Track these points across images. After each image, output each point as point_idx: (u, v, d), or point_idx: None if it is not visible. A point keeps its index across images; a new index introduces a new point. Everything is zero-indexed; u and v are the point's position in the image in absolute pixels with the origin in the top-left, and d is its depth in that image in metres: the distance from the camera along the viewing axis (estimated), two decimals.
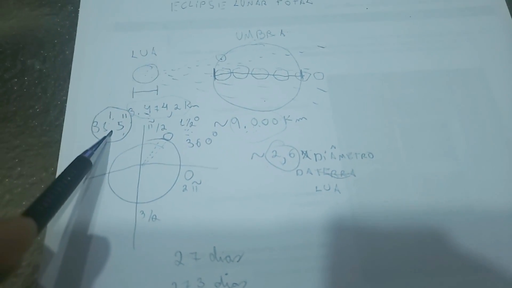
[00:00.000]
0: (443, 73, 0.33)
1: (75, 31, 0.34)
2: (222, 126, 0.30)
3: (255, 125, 0.30)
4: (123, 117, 0.31)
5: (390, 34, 0.34)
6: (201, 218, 0.27)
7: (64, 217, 0.27)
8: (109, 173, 0.29)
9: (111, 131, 0.30)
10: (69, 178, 0.25)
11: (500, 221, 0.28)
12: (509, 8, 0.35)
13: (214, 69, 0.32)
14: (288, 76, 0.32)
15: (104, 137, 0.29)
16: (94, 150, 0.28)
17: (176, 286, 0.26)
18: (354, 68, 0.33)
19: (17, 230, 0.21)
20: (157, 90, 0.32)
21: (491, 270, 0.27)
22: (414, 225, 0.28)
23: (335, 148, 0.30)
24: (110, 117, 0.31)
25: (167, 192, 0.28)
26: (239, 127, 0.30)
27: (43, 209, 0.23)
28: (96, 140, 0.29)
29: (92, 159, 0.27)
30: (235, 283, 0.26)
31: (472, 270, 0.26)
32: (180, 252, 0.26)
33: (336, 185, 0.29)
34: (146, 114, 0.31)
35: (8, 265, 0.21)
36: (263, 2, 0.35)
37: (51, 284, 0.26)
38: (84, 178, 0.28)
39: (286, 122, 0.31)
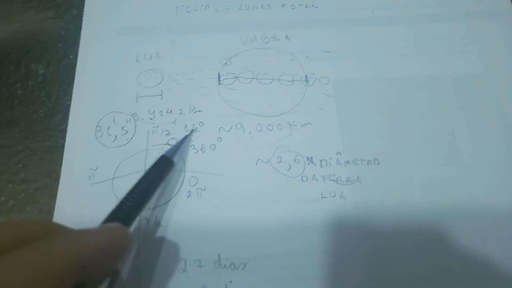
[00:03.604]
0: (449, 78, 0.32)
1: (79, 35, 0.34)
2: (227, 131, 0.30)
3: (260, 130, 0.30)
4: (127, 122, 0.31)
5: (396, 38, 0.34)
6: (206, 225, 0.27)
7: (68, 223, 0.27)
8: (113, 178, 0.29)
9: (193, 129, 0.30)
10: (150, 179, 0.25)
11: (506, 225, 0.28)
12: None
13: (218, 74, 0.32)
14: (293, 81, 0.32)
15: (186, 136, 0.29)
16: (177, 150, 0.28)
17: None
18: (359, 73, 0.32)
19: (117, 238, 0.21)
20: (161, 95, 0.31)
21: (496, 274, 0.26)
22: (421, 231, 0.27)
23: (340, 154, 0.29)
24: (114, 122, 0.30)
25: (171, 199, 0.28)
26: (244, 133, 0.30)
27: (129, 212, 0.23)
28: (104, 143, 0.29)
29: (175, 159, 0.27)
30: None
31: (478, 274, 0.26)
32: (185, 260, 0.26)
33: (342, 191, 0.28)
34: (151, 119, 0.31)
35: (104, 273, 0.21)
36: (268, 6, 0.35)
37: None
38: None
39: (291, 128, 0.30)
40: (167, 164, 0.27)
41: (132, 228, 0.24)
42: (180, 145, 0.28)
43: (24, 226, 0.19)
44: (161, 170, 0.26)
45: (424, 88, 0.32)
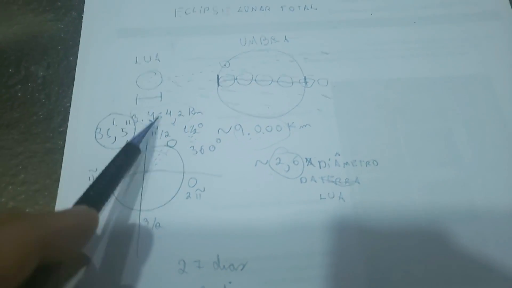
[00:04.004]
0: (448, 80, 0.32)
1: (79, 37, 0.34)
2: (226, 133, 0.30)
3: (259, 132, 0.30)
4: (126, 123, 0.31)
5: (394, 40, 0.34)
6: (205, 226, 0.27)
7: None
8: None
9: (158, 117, 0.30)
10: (117, 166, 0.26)
11: (505, 226, 0.28)
12: None
13: (218, 76, 0.32)
14: (292, 82, 0.32)
15: (152, 123, 0.30)
16: (142, 137, 0.28)
17: None
18: (358, 74, 0.32)
19: (83, 219, 0.21)
20: (160, 96, 0.32)
21: (495, 275, 0.26)
22: (420, 232, 0.27)
23: (339, 155, 0.30)
24: (113, 124, 0.31)
25: (170, 200, 0.28)
26: (243, 134, 0.30)
27: (95, 197, 0.24)
28: (104, 144, 0.29)
29: (141, 146, 0.28)
30: None
31: (477, 275, 0.26)
32: (184, 261, 0.26)
33: (341, 193, 0.28)
34: (150, 120, 0.31)
35: (70, 254, 0.21)
36: (267, 8, 0.35)
37: None
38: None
39: (290, 129, 0.30)
40: (134, 151, 0.27)
41: (110, 216, 0.25)
42: (146, 132, 0.29)
43: None
44: (128, 157, 0.27)
45: (422, 90, 0.32)
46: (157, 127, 0.30)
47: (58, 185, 0.29)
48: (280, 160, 0.29)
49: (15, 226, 0.17)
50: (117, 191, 0.28)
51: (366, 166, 0.29)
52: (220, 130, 0.30)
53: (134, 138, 0.28)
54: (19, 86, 0.33)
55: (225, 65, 0.33)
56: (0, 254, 0.16)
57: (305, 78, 0.32)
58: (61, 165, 0.29)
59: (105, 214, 0.27)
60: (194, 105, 0.31)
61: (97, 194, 0.24)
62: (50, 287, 0.20)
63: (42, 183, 0.29)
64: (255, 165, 0.29)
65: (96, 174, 0.28)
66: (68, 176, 0.29)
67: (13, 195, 0.29)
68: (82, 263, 0.26)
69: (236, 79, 0.32)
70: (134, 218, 0.28)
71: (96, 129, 0.30)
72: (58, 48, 0.34)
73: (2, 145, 0.31)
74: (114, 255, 0.26)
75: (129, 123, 0.31)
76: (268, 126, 0.31)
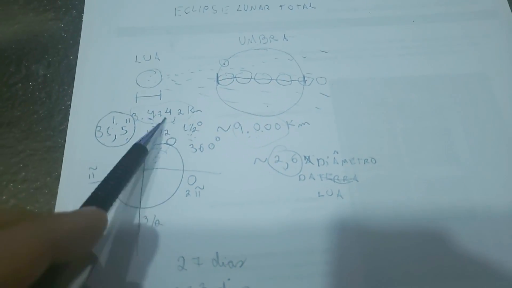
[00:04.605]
0: (446, 78, 0.33)
1: (79, 36, 0.34)
2: (225, 131, 0.30)
3: (258, 130, 0.31)
4: (126, 122, 0.31)
5: (393, 38, 0.34)
6: (204, 223, 0.28)
7: None
8: None
9: (165, 118, 0.31)
10: (125, 166, 0.26)
11: (503, 225, 0.28)
12: None
13: (217, 74, 0.33)
14: (291, 81, 0.32)
15: (159, 124, 0.30)
16: (150, 137, 0.28)
17: None
18: (357, 73, 0.33)
19: (93, 220, 0.21)
20: (160, 95, 0.32)
21: (493, 274, 0.26)
22: (418, 230, 0.28)
23: (337, 153, 0.30)
24: (113, 122, 0.31)
25: (170, 197, 0.28)
26: (242, 132, 0.30)
27: (103, 198, 0.24)
28: (104, 143, 0.30)
29: (148, 147, 0.28)
30: None
31: (474, 274, 0.26)
32: (183, 257, 0.27)
33: (339, 190, 0.29)
34: (150, 119, 0.31)
35: (79, 255, 0.21)
36: (266, 7, 0.35)
37: None
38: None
39: (288, 127, 0.31)
40: (141, 152, 0.27)
41: (110, 213, 0.24)
42: (153, 134, 0.29)
43: None
44: (136, 157, 0.27)
45: (421, 88, 0.32)
46: (165, 129, 0.31)
47: (59, 183, 0.29)
48: (279, 158, 0.30)
49: (26, 228, 0.17)
50: None
51: (365, 164, 0.29)
52: (219, 128, 0.31)
53: (142, 139, 0.28)
54: (20, 84, 0.33)
55: (224, 63, 0.33)
56: (12, 255, 0.16)
57: (303, 77, 0.32)
58: (61, 163, 0.30)
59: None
60: (194, 103, 0.31)
61: (105, 194, 0.24)
62: (58, 286, 0.20)
63: (43, 181, 0.30)
64: (254, 163, 0.29)
65: (96, 172, 0.29)
66: (69, 174, 0.29)
67: (14, 193, 0.29)
68: (89, 262, 0.26)
69: (235, 77, 0.32)
70: (134, 215, 0.28)
71: (96, 127, 0.31)
72: (58, 47, 0.34)
73: (3, 143, 0.31)
74: (114, 252, 0.27)
75: (129, 121, 0.31)
76: (267, 124, 0.31)
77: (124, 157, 0.26)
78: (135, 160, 0.27)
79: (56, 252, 0.18)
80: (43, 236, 0.17)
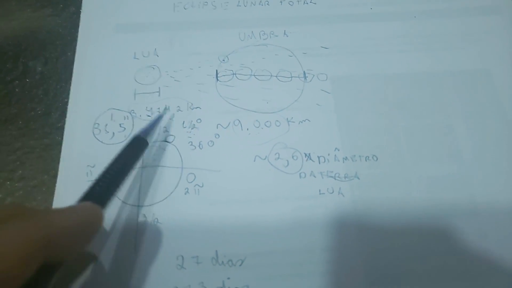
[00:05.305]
0: (448, 75, 0.32)
1: (77, 32, 0.34)
2: (225, 128, 0.30)
3: (258, 127, 0.30)
4: (124, 119, 0.30)
5: (394, 34, 0.34)
6: (203, 221, 0.27)
7: None
8: None
9: (166, 108, 0.30)
10: (123, 160, 0.24)
11: (505, 222, 0.27)
12: None
13: (216, 71, 0.32)
14: (291, 77, 0.32)
15: (160, 115, 0.29)
16: (151, 129, 0.27)
17: None
18: (358, 69, 0.32)
19: (88, 216, 0.21)
20: (159, 91, 0.31)
21: (495, 271, 0.26)
22: (419, 228, 0.27)
23: (338, 150, 0.29)
24: (111, 119, 0.30)
25: (169, 195, 0.28)
26: (242, 129, 0.30)
27: (100, 193, 0.23)
28: (102, 140, 0.29)
29: (149, 139, 0.27)
30: None
31: (477, 272, 0.26)
32: (182, 256, 0.26)
33: (340, 188, 0.28)
34: (148, 116, 0.30)
35: (74, 253, 0.21)
36: (266, 3, 0.35)
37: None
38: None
39: (289, 124, 0.30)
40: (141, 144, 0.26)
41: (108, 212, 0.24)
42: (154, 126, 0.28)
43: None
44: (135, 151, 0.26)
45: (423, 85, 0.32)
46: (164, 127, 0.30)
47: (56, 180, 0.29)
48: (279, 155, 0.29)
49: (18, 225, 0.17)
50: None
51: (366, 161, 0.29)
52: (218, 125, 0.30)
53: (141, 131, 0.27)
54: (17, 81, 0.33)
55: (224, 60, 0.33)
56: (2, 254, 0.16)
57: (304, 73, 0.32)
58: (59, 161, 0.29)
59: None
60: (193, 100, 0.31)
61: (102, 189, 0.23)
62: (53, 285, 0.20)
63: (40, 178, 0.29)
64: (254, 161, 0.29)
65: (94, 170, 0.29)
66: (66, 172, 0.29)
67: (11, 191, 0.29)
68: (89, 261, 0.25)
69: (235, 74, 0.32)
70: (132, 213, 0.27)
71: (94, 124, 0.30)
72: (56, 43, 0.34)
73: (0, 141, 0.30)
74: (112, 251, 0.26)
75: (127, 119, 0.30)
76: (267, 121, 0.30)
77: (122, 150, 0.25)
78: (135, 153, 0.26)
79: (49, 250, 0.17)
80: (35, 233, 0.17)
